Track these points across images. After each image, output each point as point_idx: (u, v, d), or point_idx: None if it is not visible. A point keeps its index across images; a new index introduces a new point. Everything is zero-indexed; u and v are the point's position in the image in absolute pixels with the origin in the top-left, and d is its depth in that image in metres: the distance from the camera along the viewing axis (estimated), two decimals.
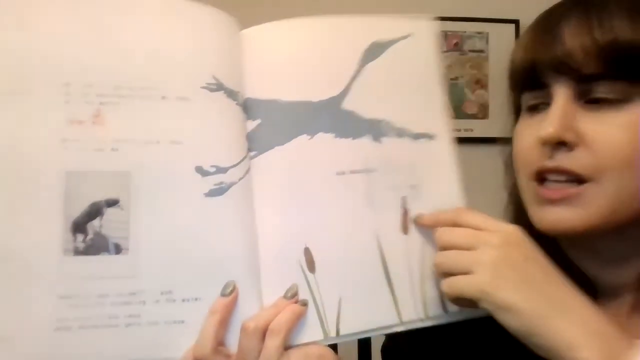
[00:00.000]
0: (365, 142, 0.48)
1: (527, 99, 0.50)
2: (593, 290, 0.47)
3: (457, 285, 0.42)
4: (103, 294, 0.41)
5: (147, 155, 0.42)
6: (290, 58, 0.49)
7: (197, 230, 0.43)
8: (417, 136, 0.50)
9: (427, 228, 0.48)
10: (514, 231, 0.43)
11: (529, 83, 0.49)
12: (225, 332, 0.42)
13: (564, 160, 0.45)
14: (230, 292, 0.42)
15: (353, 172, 0.48)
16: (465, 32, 1.57)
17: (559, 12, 0.49)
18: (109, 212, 0.42)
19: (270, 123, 0.47)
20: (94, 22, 0.43)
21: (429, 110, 0.51)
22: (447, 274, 0.43)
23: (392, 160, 0.49)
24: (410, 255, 0.48)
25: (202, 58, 0.45)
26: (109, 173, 0.42)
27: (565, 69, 0.45)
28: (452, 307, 0.47)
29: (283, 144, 0.47)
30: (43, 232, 0.41)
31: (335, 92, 0.49)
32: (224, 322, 0.42)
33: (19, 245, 0.40)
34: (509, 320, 0.39)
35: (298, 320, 0.43)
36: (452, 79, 1.58)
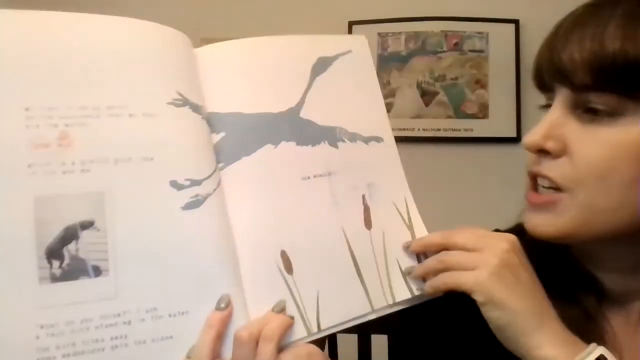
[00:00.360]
0: (324, 147, 0.52)
1: (544, 97, 0.52)
2: (600, 294, 0.51)
3: (457, 277, 0.46)
4: (86, 318, 0.40)
5: (120, 173, 0.42)
6: (248, 74, 0.51)
7: (177, 245, 0.43)
8: (368, 139, 0.55)
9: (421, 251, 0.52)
10: (515, 240, 0.47)
11: (540, 85, 0.51)
12: (221, 345, 0.42)
13: (546, 167, 0.48)
14: (225, 307, 0.43)
15: (316, 176, 0.51)
16: (465, 32, 1.59)
17: (571, 18, 0.49)
18: (85, 235, 0.41)
19: (235, 135, 0.48)
20: (52, 44, 0.42)
21: (374, 115, 0.56)
22: (448, 269, 0.47)
23: (349, 163, 0.53)
24: (375, 248, 0.52)
25: (166, 74, 0.45)
26: (81, 195, 0.41)
27: (562, 78, 0.47)
28: (418, 289, 0.52)
29: (250, 154, 0.48)
30: (15, 262, 0.39)
31: (292, 103, 0.52)
32: (221, 336, 0.42)
33: None
34: (494, 314, 0.45)
35: (288, 329, 0.44)
36: (452, 79, 1.59)
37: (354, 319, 0.49)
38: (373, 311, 0.50)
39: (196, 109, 0.46)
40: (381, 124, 0.56)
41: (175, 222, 0.43)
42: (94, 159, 0.42)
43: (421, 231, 0.54)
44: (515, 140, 1.56)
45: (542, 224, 0.48)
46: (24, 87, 0.41)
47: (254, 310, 0.45)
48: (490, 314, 0.45)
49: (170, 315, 0.42)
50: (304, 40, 0.55)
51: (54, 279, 0.40)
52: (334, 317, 0.48)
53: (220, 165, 0.47)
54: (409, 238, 0.53)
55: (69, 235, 0.41)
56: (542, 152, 0.48)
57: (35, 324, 0.39)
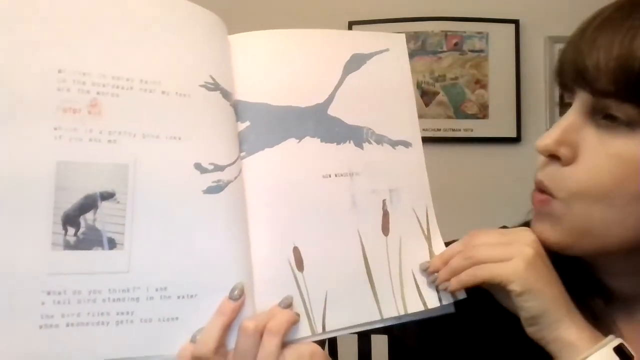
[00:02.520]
0: (349, 147, 0.51)
1: (567, 96, 0.51)
2: (607, 297, 0.52)
3: (491, 269, 0.46)
4: (94, 290, 0.40)
5: (146, 148, 0.42)
6: (278, 65, 0.50)
7: (194, 227, 0.42)
8: (395, 143, 0.54)
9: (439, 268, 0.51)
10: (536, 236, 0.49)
11: (561, 84, 0.50)
12: (228, 333, 0.42)
13: (548, 175, 0.48)
14: (239, 296, 0.42)
15: (338, 175, 0.50)
16: (465, 32, 1.58)
17: (600, 20, 0.47)
18: (104, 206, 0.40)
19: (260, 125, 0.48)
20: (93, 13, 0.42)
21: (405, 119, 0.55)
22: (476, 264, 0.47)
23: (373, 165, 0.52)
24: (390, 256, 0.51)
25: (201, 57, 0.45)
26: (106, 165, 0.40)
27: (582, 81, 0.45)
28: (431, 303, 0.51)
29: (272, 146, 0.48)
30: (29, 225, 0.38)
31: (320, 99, 0.51)
32: (230, 325, 0.42)
33: (3, 238, 0.38)
34: (530, 303, 0.45)
35: (293, 324, 0.44)
36: (452, 79, 1.58)
37: (361, 325, 0.49)
38: (381, 320, 0.50)
39: (226, 95, 0.46)
40: (411, 129, 0.55)
41: (195, 204, 0.43)
42: (122, 130, 0.41)
43: (438, 244, 0.53)
44: (515, 140, 1.56)
45: (542, 231, 0.49)
46: (58, 47, 0.40)
47: (260, 303, 0.44)
48: (527, 304, 0.45)
49: (178, 297, 0.42)
50: (340, 35, 0.55)
51: (67, 246, 0.39)
52: (340, 320, 0.48)
53: (243, 154, 0.47)
54: (425, 250, 0.52)
55: (88, 204, 0.40)
56: (552, 157, 0.47)
57: (42, 289, 0.38)
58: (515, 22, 1.56)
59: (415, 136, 0.54)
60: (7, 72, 0.39)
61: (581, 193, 0.45)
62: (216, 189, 0.44)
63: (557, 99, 1.58)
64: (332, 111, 0.51)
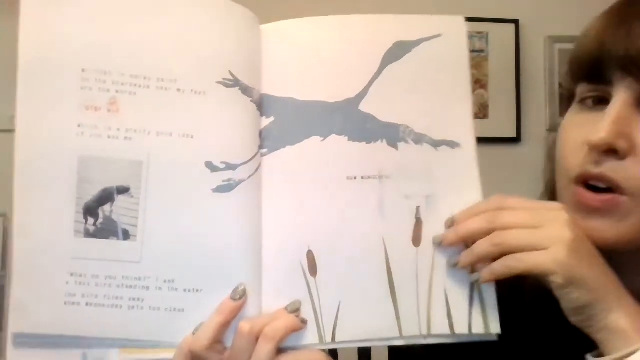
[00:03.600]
0: (380, 146, 0.47)
1: (584, 90, 0.47)
2: None
3: (528, 259, 0.41)
4: (110, 275, 0.43)
5: (159, 146, 0.43)
6: (309, 56, 0.48)
7: (202, 225, 0.44)
8: (438, 143, 0.48)
9: (458, 238, 0.45)
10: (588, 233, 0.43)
11: (591, 75, 0.46)
12: (225, 332, 0.43)
13: (611, 169, 0.43)
14: (239, 297, 0.43)
15: (365, 177, 0.47)
16: None
17: (634, 8, 0.45)
18: (120, 199, 0.43)
19: (284, 121, 0.47)
20: (114, 10, 0.43)
21: (454, 116, 0.48)
22: (506, 252, 0.42)
23: (408, 168, 0.47)
24: (419, 269, 0.46)
25: (220, 52, 0.45)
26: (122, 161, 0.43)
27: (634, 68, 0.43)
28: (460, 329, 0.46)
29: (294, 144, 0.47)
30: (57, 213, 0.42)
31: (352, 93, 0.48)
32: (227, 324, 0.43)
33: (35, 223, 0.42)
34: (575, 295, 0.40)
35: (293, 331, 0.43)
36: None
37: (376, 339, 0.46)
38: (401, 337, 0.46)
39: (246, 90, 0.46)
40: (462, 127, 0.48)
41: (204, 203, 0.44)
42: (137, 128, 0.43)
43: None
44: (515, 140, 1.58)
45: (601, 229, 0.44)
46: (83, 47, 0.43)
47: (268, 304, 0.45)
48: (572, 296, 0.41)
49: (185, 290, 0.44)
50: (383, 21, 0.49)
51: (87, 234, 0.43)
52: (353, 332, 0.45)
53: (264, 151, 0.46)
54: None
55: (106, 196, 0.43)
56: (608, 151, 0.43)
57: (67, 271, 0.43)
58: (515, 22, 1.54)
59: (466, 136, 0.48)
60: (36, 71, 0.42)
61: None
62: (226, 187, 0.44)
63: (557, 99, 1.56)
64: (364, 106, 0.48)
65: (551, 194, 0.52)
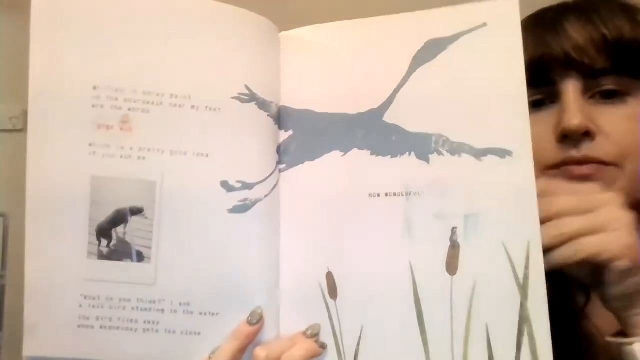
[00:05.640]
0: (408, 160, 0.43)
1: (531, 94, 0.46)
2: (587, 289, 0.49)
3: (599, 243, 0.40)
4: (125, 298, 0.42)
5: (173, 165, 0.42)
6: (328, 65, 0.45)
7: (218, 247, 0.42)
8: (483, 153, 0.42)
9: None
10: None
11: (535, 79, 0.48)
12: (242, 357, 0.42)
13: (590, 150, 0.48)
14: (256, 322, 0.42)
15: (389, 194, 0.43)
16: None
17: (553, 14, 0.52)
18: (134, 220, 0.42)
19: (303, 135, 0.45)
20: (125, 26, 0.41)
21: (504, 118, 0.41)
22: (570, 239, 0.40)
23: (442, 183, 0.42)
24: (455, 301, 0.41)
25: (236, 67, 0.43)
26: (135, 181, 0.42)
27: (575, 63, 0.48)
28: None
29: (314, 160, 0.45)
30: (69, 233, 0.41)
31: (376, 103, 0.44)
32: (244, 349, 0.41)
33: (47, 245, 0.41)
34: (636, 278, 0.40)
35: (312, 358, 0.42)
36: None
37: None
38: None
39: (263, 105, 0.44)
40: (514, 132, 0.41)
41: (220, 224, 0.42)
42: (151, 147, 0.41)
43: (539, 296, 0.39)
44: None
45: None
46: (93, 63, 0.41)
47: (286, 328, 0.43)
48: (633, 280, 0.40)
49: (201, 313, 0.42)
50: (411, 19, 0.45)
51: (101, 256, 0.42)
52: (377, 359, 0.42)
53: (282, 166, 0.45)
54: (515, 303, 0.40)
55: (119, 218, 0.42)
56: (581, 136, 0.48)
57: (80, 293, 0.42)
58: None
59: (520, 142, 0.41)
60: (46, 89, 0.41)
61: (626, 154, 0.48)
62: (242, 208, 0.42)
63: None
64: (390, 117, 0.44)
65: None
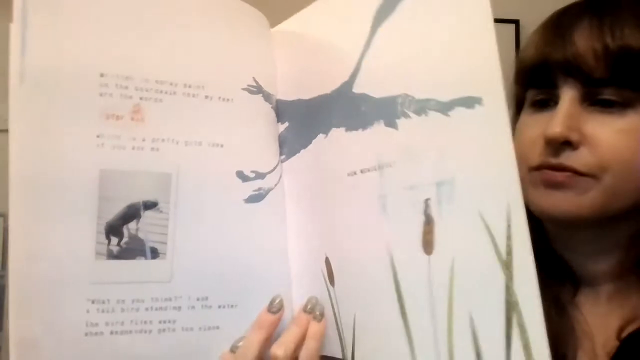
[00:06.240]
0: (378, 130, 0.39)
1: (533, 94, 0.51)
2: (574, 279, 0.52)
3: None
4: (138, 299, 0.39)
5: (189, 156, 0.41)
6: (305, 51, 0.45)
7: (236, 237, 0.42)
8: (450, 105, 0.35)
9: None
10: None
11: (537, 81, 0.50)
12: (268, 347, 0.41)
13: (568, 158, 0.47)
14: (277, 310, 0.42)
15: (364, 170, 0.40)
16: None
17: (572, 13, 0.49)
18: (147, 215, 0.40)
19: (296, 125, 0.46)
20: (135, 14, 0.40)
21: (471, 61, 0.35)
22: None
23: (411, 149, 0.37)
24: (434, 284, 0.35)
25: (244, 58, 0.44)
26: (149, 174, 0.40)
27: (574, 71, 0.46)
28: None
29: (306, 147, 0.45)
30: (74, 234, 0.38)
31: (347, 75, 0.41)
32: (270, 338, 0.41)
33: (50, 247, 0.37)
34: None
35: (322, 338, 0.42)
36: None
37: None
38: None
39: (268, 97, 0.45)
40: (482, 75, 0.34)
41: (237, 214, 0.42)
42: (165, 138, 0.40)
43: (525, 276, 0.32)
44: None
45: (563, 202, 0.47)
46: (100, 49, 0.39)
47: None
48: None
49: (219, 307, 0.42)
50: None
51: (111, 255, 0.39)
52: (368, 356, 0.40)
53: (282, 157, 0.46)
54: (500, 284, 0.32)
55: (131, 213, 0.39)
56: (564, 143, 0.47)
57: (87, 298, 0.38)
58: (515, 22, 1.54)
59: (489, 87, 0.34)
60: (49, 76, 0.37)
61: (606, 167, 0.46)
62: (257, 197, 0.43)
63: None
64: (358, 87, 0.40)
65: None
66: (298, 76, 0.46)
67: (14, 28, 0.38)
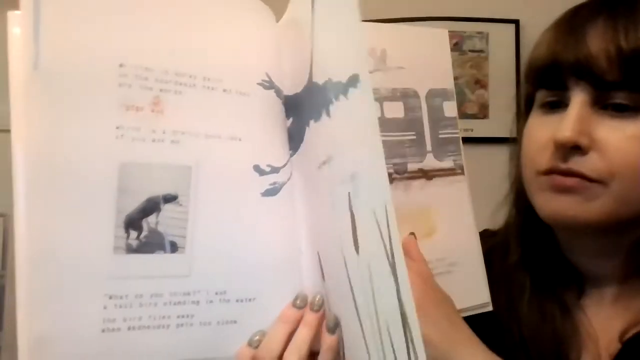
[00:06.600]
0: (324, 120, 0.38)
1: (543, 95, 0.50)
2: (580, 281, 0.53)
3: None
4: (156, 293, 0.39)
5: (209, 149, 0.40)
6: (299, 41, 0.43)
7: (253, 231, 0.42)
8: (346, 86, 0.34)
9: None
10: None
11: (548, 81, 0.49)
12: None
13: (577, 163, 0.46)
14: (302, 305, 0.42)
15: (321, 164, 0.39)
16: (465, 32, 1.55)
17: (586, 12, 0.48)
18: (167, 208, 0.39)
19: (297, 120, 0.46)
20: (153, 6, 0.39)
21: (347, 45, 0.35)
22: None
23: (335, 138, 0.36)
24: (366, 288, 0.35)
25: (258, 53, 0.44)
26: (168, 167, 0.39)
27: (586, 73, 0.45)
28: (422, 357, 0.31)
29: (303, 141, 0.45)
30: (92, 228, 0.37)
31: (309, 65, 0.41)
32: (293, 332, 0.41)
33: (67, 241, 0.36)
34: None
35: (318, 330, 0.41)
36: None
37: None
38: None
39: (279, 93, 0.45)
40: (354, 57, 0.34)
41: (254, 207, 0.42)
42: (185, 130, 0.40)
43: (403, 278, 0.31)
44: (516, 140, 1.60)
45: (571, 207, 0.47)
46: (119, 40, 0.38)
47: None
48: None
49: (237, 300, 0.41)
50: None
51: (130, 250, 0.38)
52: (347, 354, 0.40)
53: (291, 152, 0.46)
54: (391, 290, 0.32)
55: (151, 207, 0.39)
56: (573, 148, 0.46)
57: (104, 293, 0.37)
58: (515, 22, 1.55)
59: (357, 63, 0.33)
60: (65, 65, 0.36)
61: (615, 173, 0.45)
62: (273, 191, 0.43)
63: None
64: (316, 75, 0.39)
65: (517, 193, 0.57)
66: (296, 70, 0.46)
67: (24, 15, 0.36)
